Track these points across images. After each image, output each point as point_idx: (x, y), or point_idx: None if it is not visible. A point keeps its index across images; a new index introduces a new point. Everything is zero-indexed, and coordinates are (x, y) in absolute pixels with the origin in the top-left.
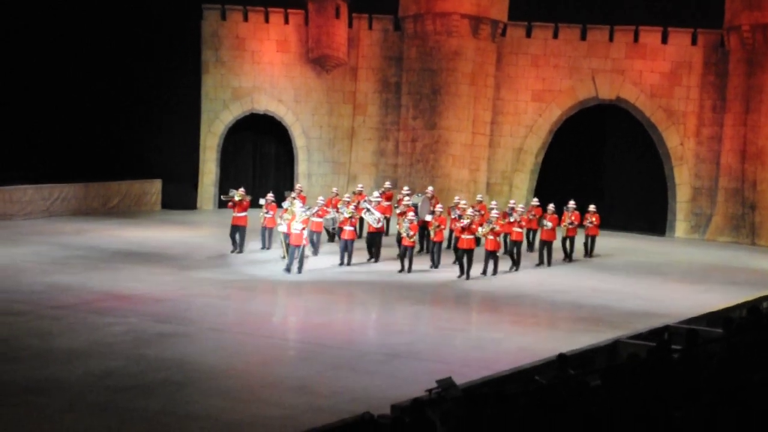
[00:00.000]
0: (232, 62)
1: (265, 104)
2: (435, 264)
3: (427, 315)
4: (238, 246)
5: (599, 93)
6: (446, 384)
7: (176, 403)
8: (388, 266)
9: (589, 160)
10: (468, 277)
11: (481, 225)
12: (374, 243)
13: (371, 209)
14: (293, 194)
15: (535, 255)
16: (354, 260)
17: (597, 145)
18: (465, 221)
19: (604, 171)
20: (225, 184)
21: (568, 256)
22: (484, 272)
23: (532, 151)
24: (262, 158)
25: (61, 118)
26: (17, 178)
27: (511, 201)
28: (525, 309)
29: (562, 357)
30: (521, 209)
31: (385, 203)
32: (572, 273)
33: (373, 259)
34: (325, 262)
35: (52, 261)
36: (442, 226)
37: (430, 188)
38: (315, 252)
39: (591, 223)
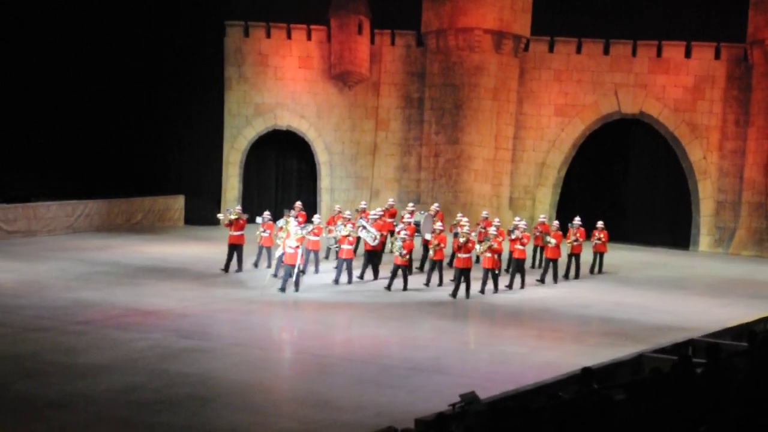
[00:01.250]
0: (254, 78)
1: (287, 120)
2: (428, 281)
3: (451, 329)
4: (237, 265)
5: (622, 107)
6: (470, 398)
7: (200, 417)
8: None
9: (612, 174)
10: (467, 296)
11: (479, 242)
12: (371, 261)
13: (367, 226)
14: (292, 212)
15: (537, 272)
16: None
17: (620, 159)
18: (461, 239)
19: (627, 185)
20: (248, 199)
21: (575, 274)
22: (482, 291)
23: (554, 165)
24: (284, 174)
25: (84, 134)
26: (41, 195)
27: (516, 218)
28: (549, 323)
29: (586, 371)
30: (523, 226)
31: (389, 219)
32: (596, 287)
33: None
34: (323, 279)
35: (76, 277)
36: (442, 245)
37: (434, 206)
38: (315, 270)
39: (599, 239)
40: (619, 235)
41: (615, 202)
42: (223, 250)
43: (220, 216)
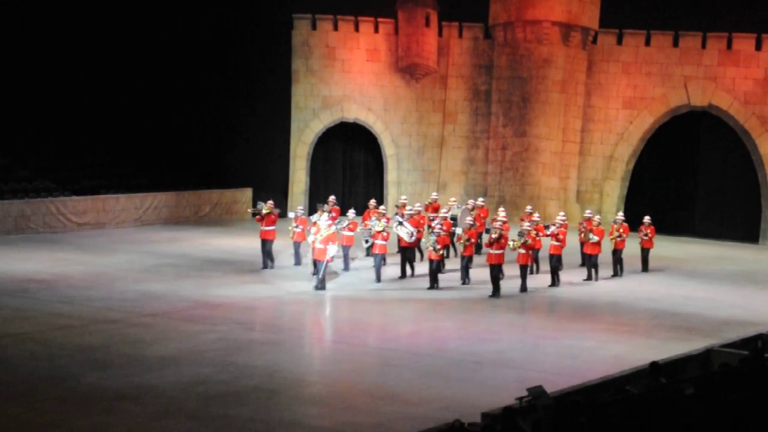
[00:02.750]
0: (322, 71)
1: (354, 113)
2: (462, 280)
3: (518, 323)
4: (268, 262)
5: (691, 100)
6: (537, 392)
7: (267, 410)
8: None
9: (681, 167)
10: (498, 295)
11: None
12: (405, 258)
13: (403, 222)
14: (326, 207)
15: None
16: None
17: (689, 152)
18: (493, 235)
19: (696, 178)
20: (315, 192)
21: (620, 270)
22: (523, 288)
23: (623, 158)
24: (351, 167)
25: (152, 127)
26: (110, 187)
27: (561, 213)
28: (618, 317)
29: (654, 365)
30: (560, 220)
31: (432, 214)
32: (665, 281)
33: (405, 276)
34: (359, 277)
35: (144, 269)
36: (473, 240)
37: (471, 201)
38: (346, 267)
39: (646, 236)
40: (687, 228)
41: (684, 196)
42: (290, 243)
43: (250, 210)
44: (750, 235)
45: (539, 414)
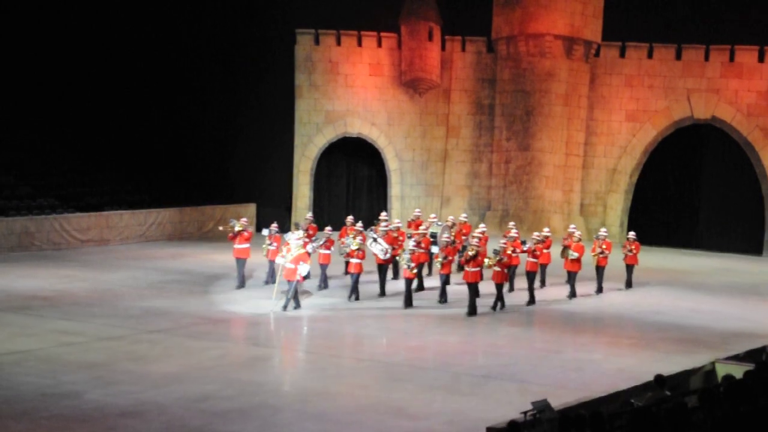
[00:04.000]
0: (325, 86)
1: (358, 127)
2: (440, 298)
3: (522, 336)
4: (237, 279)
5: (694, 113)
6: (542, 406)
7: (272, 426)
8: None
9: (685, 180)
10: (473, 313)
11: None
12: (381, 276)
13: (378, 239)
14: (302, 224)
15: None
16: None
17: (692, 165)
18: (470, 252)
19: (699, 191)
20: (318, 207)
21: (598, 288)
22: (493, 307)
23: (626, 171)
24: (355, 181)
25: (155, 143)
26: (113, 204)
27: (545, 229)
28: (622, 330)
29: (658, 378)
30: (536, 237)
31: (415, 231)
32: (669, 294)
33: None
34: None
35: (149, 285)
36: (450, 258)
37: (451, 217)
38: (325, 286)
39: (630, 251)
40: (691, 240)
41: (687, 208)
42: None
43: (221, 228)
44: (753, 247)
45: (544, 428)
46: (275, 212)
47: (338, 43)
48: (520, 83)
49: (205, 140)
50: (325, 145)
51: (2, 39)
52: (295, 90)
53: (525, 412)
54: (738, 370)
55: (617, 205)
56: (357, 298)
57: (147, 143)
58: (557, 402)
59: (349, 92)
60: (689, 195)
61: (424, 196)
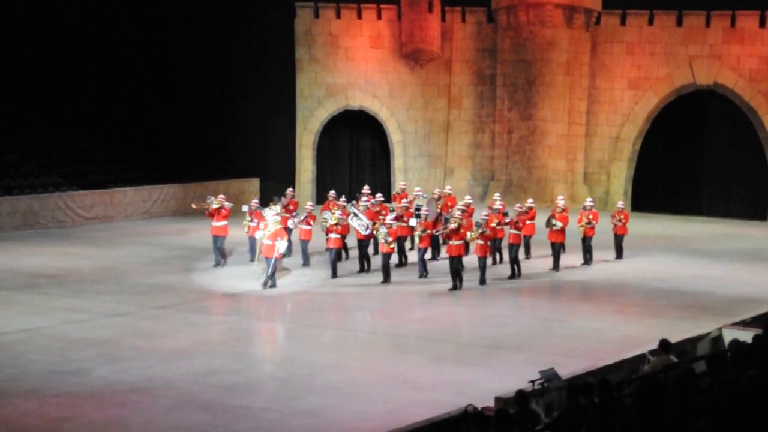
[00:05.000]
0: (325, 59)
1: (359, 100)
2: (420, 273)
3: (527, 306)
4: (220, 259)
5: (696, 79)
6: (549, 375)
7: (280, 399)
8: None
9: (688, 146)
10: (459, 287)
11: (470, 229)
12: (363, 252)
13: (359, 214)
14: (283, 200)
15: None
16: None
17: (695, 131)
18: (452, 225)
19: (702, 157)
20: (321, 181)
21: (587, 258)
22: (482, 281)
23: (629, 139)
24: (358, 154)
25: (157, 119)
26: (117, 181)
27: (530, 200)
28: (627, 298)
29: (663, 343)
30: (518, 208)
31: (400, 204)
32: (672, 261)
33: (364, 271)
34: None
35: (154, 261)
36: (429, 231)
37: (437, 190)
38: (306, 262)
39: (620, 221)
40: (695, 207)
41: (691, 174)
42: (296, 232)
43: (194, 206)
44: (757, 213)
45: (552, 396)
46: (279, 187)
47: (338, 15)
48: (521, 53)
49: (207, 115)
50: (327, 119)
51: (10, 25)
52: (296, 64)
53: (533, 381)
54: (745, 336)
55: (621, 173)
56: (334, 276)
57: (149, 120)
58: (564, 371)
59: (349, 65)
60: (692, 161)
61: (428, 168)
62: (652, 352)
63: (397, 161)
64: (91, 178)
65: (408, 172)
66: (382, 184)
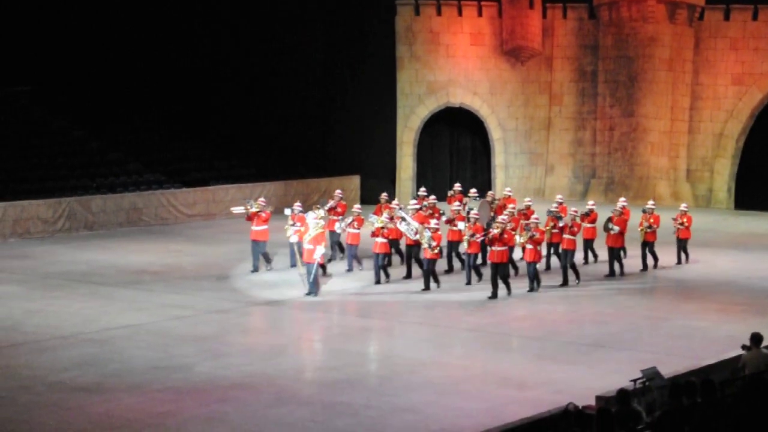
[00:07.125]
0: (426, 57)
1: (460, 97)
2: (468, 280)
3: (629, 305)
4: (258, 264)
5: None
6: (651, 374)
7: (380, 396)
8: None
9: None
10: (508, 294)
11: (520, 233)
12: (410, 257)
13: (408, 218)
14: (330, 203)
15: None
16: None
17: None
18: (494, 230)
19: None
20: (422, 178)
21: (645, 266)
22: (530, 289)
23: (732, 135)
24: (458, 152)
25: (259, 118)
26: (218, 178)
27: (590, 202)
28: (731, 297)
29: (755, 337)
30: (573, 213)
31: (455, 207)
32: None
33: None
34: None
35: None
36: (478, 236)
37: (491, 192)
38: (350, 268)
39: (682, 224)
40: None
41: None
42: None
43: (234, 210)
44: None
45: (654, 395)
46: (380, 184)
47: (438, 13)
48: (623, 49)
49: (308, 113)
50: (428, 116)
51: (120, 26)
52: (397, 61)
53: (634, 380)
54: None
55: (724, 170)
56: (378, 282)
57: (251, 118)
58: (667, 370)
59: (450, 62)
60: None
61: (528, 165)
62: (744, 347)
63: (498, 158)
64: (192, 175)
65: (508, 169)
66: (483, 182)
